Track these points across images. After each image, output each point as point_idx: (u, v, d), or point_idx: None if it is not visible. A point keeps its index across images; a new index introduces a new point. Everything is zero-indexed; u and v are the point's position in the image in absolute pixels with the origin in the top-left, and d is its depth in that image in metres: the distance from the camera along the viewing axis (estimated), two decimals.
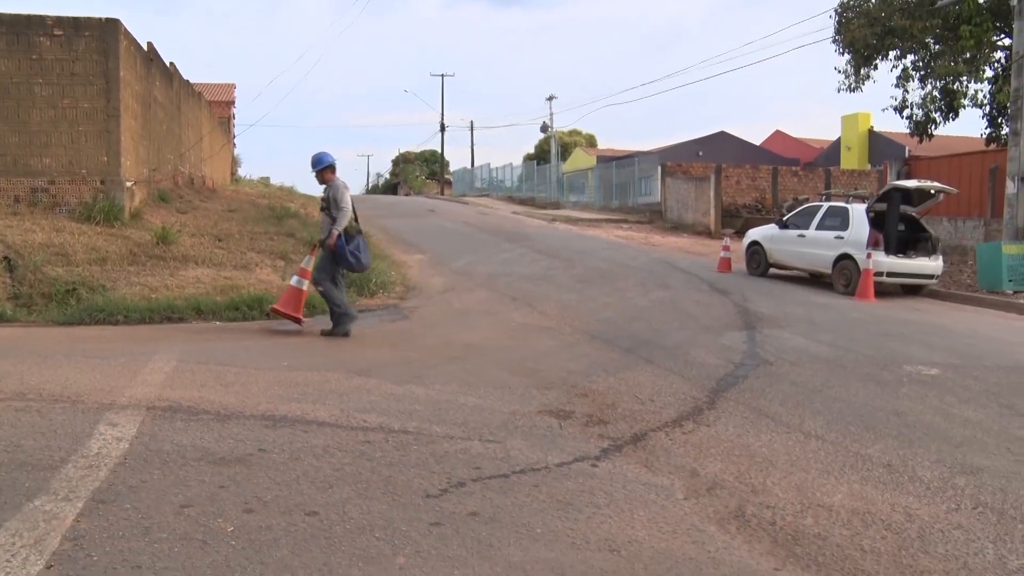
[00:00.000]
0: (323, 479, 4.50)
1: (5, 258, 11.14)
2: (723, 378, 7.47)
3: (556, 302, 11.67)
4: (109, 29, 14.15)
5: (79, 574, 3.30)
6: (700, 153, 42.31)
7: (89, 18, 14.17)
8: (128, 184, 14.34)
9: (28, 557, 3.41)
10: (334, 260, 9.20)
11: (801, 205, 18.73)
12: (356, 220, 9.37)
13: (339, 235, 9.06)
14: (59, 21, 13.99)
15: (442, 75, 60.43)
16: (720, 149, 42.89)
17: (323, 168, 9.38)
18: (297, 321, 9.54)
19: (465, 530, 3.90)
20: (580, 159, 50.45)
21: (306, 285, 9.54)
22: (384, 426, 5.57)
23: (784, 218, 16.66)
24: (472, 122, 65.62)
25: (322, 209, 9.57)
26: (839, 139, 44.12)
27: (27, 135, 13.75)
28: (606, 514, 4.23)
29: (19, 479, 4.30)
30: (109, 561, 3.43)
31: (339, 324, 9.18)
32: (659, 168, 31.02)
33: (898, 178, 25.31)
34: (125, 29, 14.50)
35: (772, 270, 16.27)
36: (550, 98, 53.14)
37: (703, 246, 21.82)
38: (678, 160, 33.89)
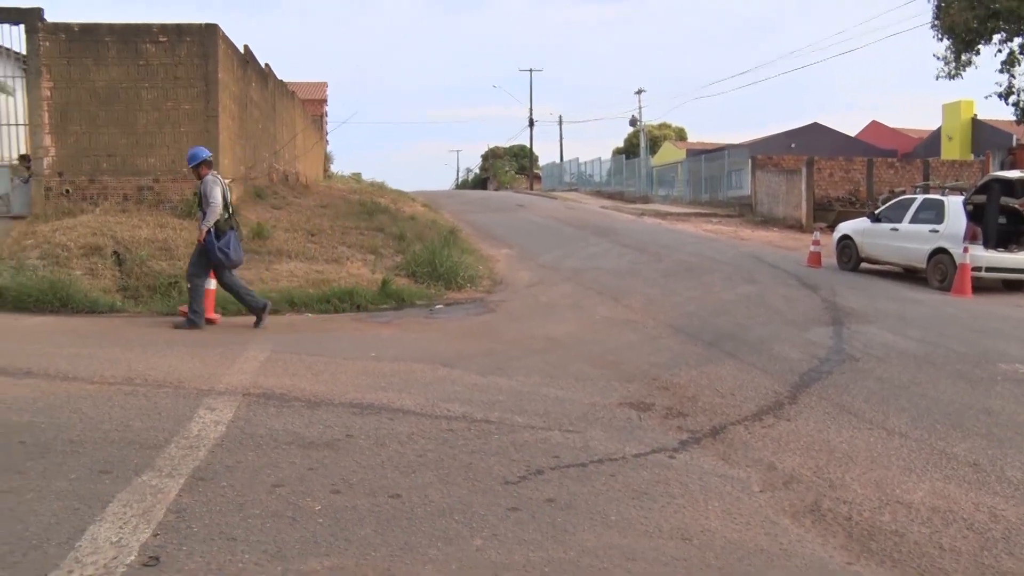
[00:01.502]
0: (407, 464, 4.70)
1: (115, 252, 11.78)
2: (806, 373, 7.40)
3: (641, 296, 11.68)
4: (208, 34, 14.78)
5: (181, 543, 3.55)
6: (792, 145, 41.37)
7: (190, 24, 14.83)
8: (226, 181, 14.92)
9: (138, 526, 3.69)
10: (206, 255, 9.20)
11: (896, 198, 18.21)
12: (231, 215, 9.42)
13: (208, 231, 9.14)
14: (163, 28, 14.69)
15: (530, 70, 61.18)
16: (813, 141, 41.84)
17: (197, 164, 9.55)
18: (210, 321, 9.43)
19: (541, 515, 4.03)
20: (669, 153, 49.97)
21: (213, 284, 9.58)
22: (467, 415, 5.75)
23: (876, 211, 16.23)
24: (560, 117, 66.10)
25: (198, 205, 9.66)
26: (939, 128, 42.50)
27: (135, 136, 14.48)
28: (680, 504, 4.30)
29: (128, 456, 4.63)
30: (207, 533, 3.68)
31: (192, 324, 9.08)
32: (749, 161, 30.51)
33: (1001, 168, 24.28)
34: (223, 33, 15.12)
35: (864, 265, 15.88)
36: (639, 91, 52.82)
37: (793, 240, 21.41)
38: (769, 153, 33.26)
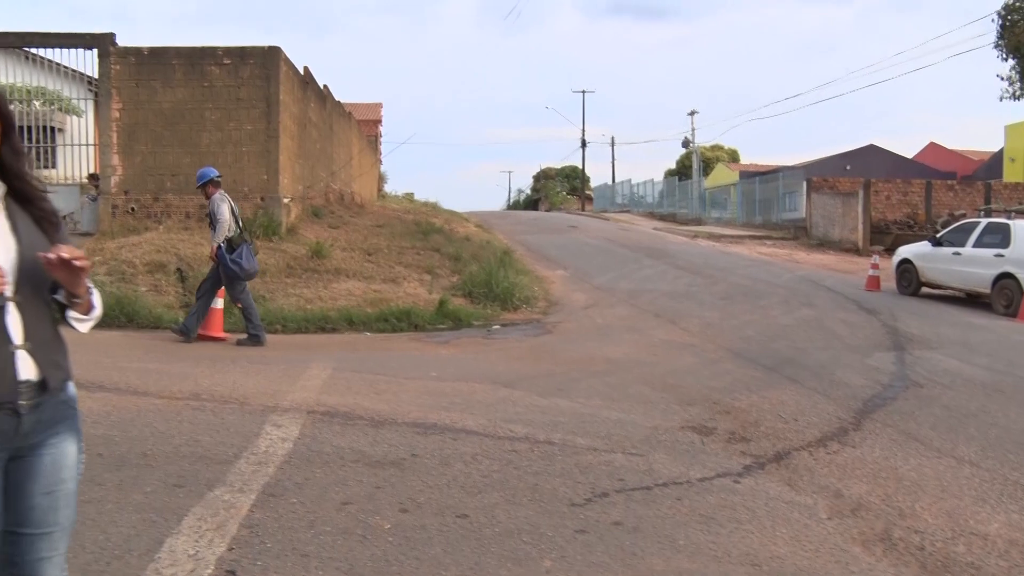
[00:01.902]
0: (472, 484, 4.73)
1: (178, 270, 12.06)
2: (870, 399, 7.29)
3: (698, 319, 11.61)
4: (271, 56, 15.13)
5: (256, 558, 3.62)
6: (847, 167, 40.78)
7: (254, 47, 15.21)
8: (285, 200, 15.23)
9: (213, 540, 3.77)
10: (219, 270, 9.39)
11: (957, 221, 17.86)
12: (241, 230, 9.57)
13: (218, 246, 9.32)
14: (227, 51, 15.09)
15: (583, 91, 61.13)
16: (868, 163, 41.21)
17: (205, 183, 9.68)
18: (216, 339, 9.62)
19: (609, 538, 4.03)
20: (722, 175, 49.62)
21: (220, 303, 9.75)
22: (530, 436, 5.77)
23: (938, 235, 15.94)
24: (613, 138, 66.13)
25: (209, 224, 9.83)
26: (1001, 150, 41.56)
27: (198, 156, 14.84)
28: (748, 529, 4.26)
29: (200, 470, 4.74)
30: (281, 549, 3.74)
31: (255, 340, 9.31)
32: (804, 183, 30.18)
33: None
34: (285, 56, 15.47)
35: (924, 289, 15.59)
36: (692, 113, 52.65)
37: (850, 264, 21.10)
38: (824, 175, 32.83)
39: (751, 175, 39.88)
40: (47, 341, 2.12)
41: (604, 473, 5.04)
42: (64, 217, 15.12)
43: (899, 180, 29.72)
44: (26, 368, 2.05)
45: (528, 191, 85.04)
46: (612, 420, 6.34)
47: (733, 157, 61.61)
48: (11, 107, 2.06)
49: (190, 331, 9.32)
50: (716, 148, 60.76)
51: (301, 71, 17.68)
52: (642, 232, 29.77)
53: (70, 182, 16.23)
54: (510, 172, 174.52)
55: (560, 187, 73.96)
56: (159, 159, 14.80)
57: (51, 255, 2.02)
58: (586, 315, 12.28)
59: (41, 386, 2.09)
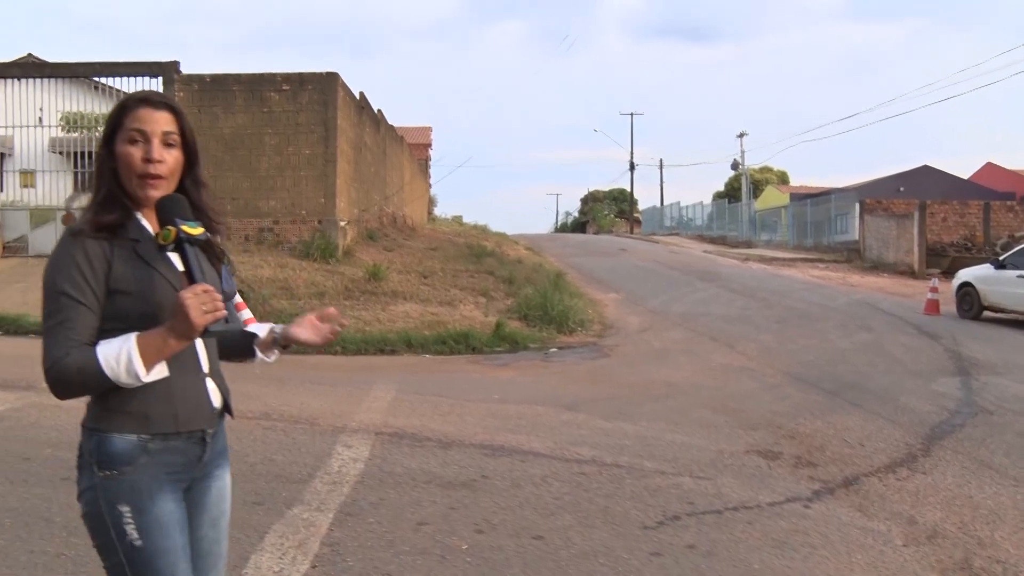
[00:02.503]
0: (544, 506, 4.78)
1: (239, 292, 12.33)
2: (937, 425, 7.19)
3: (755, 343, 11.55)
4: (328, 82, 15.47)
5: None
6: (901, 189, 40.20)
7: (312, 73, 15.54)
8: (341, 223, 15.50)
9: (296, 557, 3.88)
10: None
11: (1019, 243, 17.52)
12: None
13: None
14: (287, 77, 15.45)
15: (631, 114, 61.32)
16: (923, 184, 40.56)
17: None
18: None
19: (684, 561, 4.05)
20: (772, 197, 49.20)
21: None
22: (597, 459, 5.81)
23: (1001, 257, 15.65)
24: (661, 160, 65.98)
25: None
26: None
27: (257, 180, 15.20)
28: (823, 555, 4.25)
29: (277, 489, 4.86)
30: (363, 568, 3.83)
31: None
32: (857, 205, 29.84)
33: None
34: (342, 81, 15.80)
35: (986, 313, 15.30)
36: (741, 135, 51.83)
37: (906, 287, 20.79)
38: (877, 196, 32.42)
39: (802, 197, 39.50)
40: (219, 367, 2.16)
41: (674, 496, 5.06)
42: None
43: (955, 201, 29.29)
44: (215, 395, 2.08)
45: (576, 214, 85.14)
46: (677, 444, 6.36)
47: (783, 179, 61.11)
48: (195, 138, 2.06)
49: None
50: (765, 170, 60.34)
51: (357, 96, 18.03)
52: (692, 255, 29.66)
53: None
54: (557, 195, 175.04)
55: (608, 210, 73.97)
56: (219, 183, 15.14)
57: (332, 315, 2.23)
58: (642, 338, 12.28)
59: (221, 413, 2.14)
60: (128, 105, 1.97)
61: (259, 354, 2.28)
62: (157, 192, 1.96)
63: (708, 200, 53.19)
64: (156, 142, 1.95)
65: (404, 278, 14.48)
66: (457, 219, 45.19)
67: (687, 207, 51.77)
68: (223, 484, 2.18)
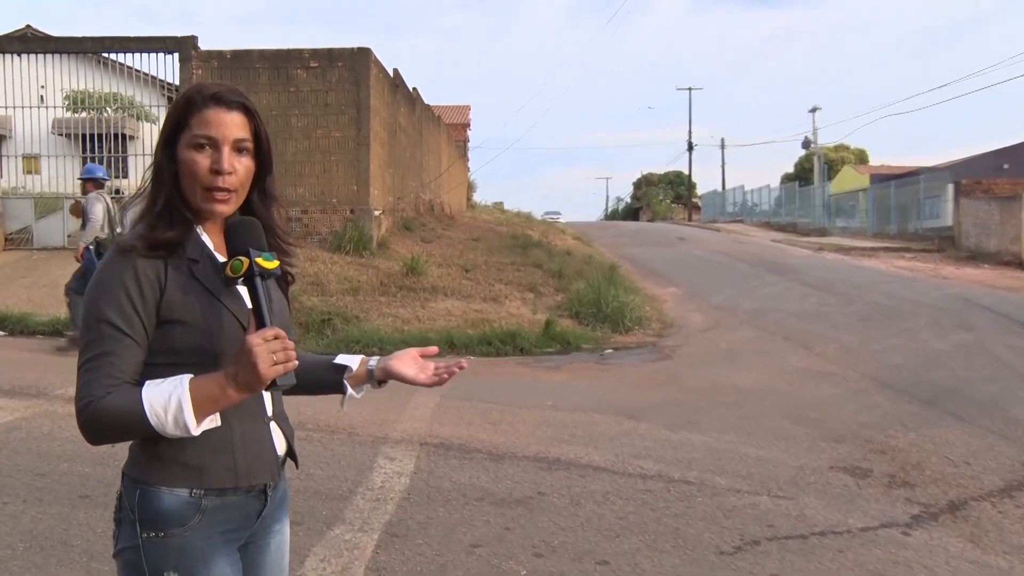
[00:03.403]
0: (607, 527, 4.75)
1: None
2: None
3: (835, 343, 11.38)
4: (360, 58, 15.49)
5: None
6: (1004, 167, 39.15)
7: (342, 49, 15.58)
8: (376, 213, 15.57)
9: None
10: (86, 274, 9.66)
11: None
12: (115, 233, 9.77)
13: (87, 248, 9.72)
14: (315, 53, 15.51)
15: (689, 88, 60.27)
16: None
17: (84, 180, 10.26)
18: None
19: None
20: (849, 178, 48.42)
21: None
22: (663, 474, 5.76)
23: None
24: (723, 139, 64.77)
25: (81, 224, 10.23)
26: None
27: (283, 165, 15.30)
28: None
29: (316, 506, 4.89)
30: None
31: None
32: (950, 186, 29.23)
33: None
34: (375, 57, 15.83)
35: None
36: (813, 110, 51.01)
37: (1012, 279, 20.29)
38: (974, 175, 31.65)
39: (884, 178, 38.74)
40: (283, 407, 2.07)
41: (751, 518, 4.99)
42: None
43: None
44: (279, 441, 2.00)
45: (628, 199, 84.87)
46: (751, 457, 6.28)
47: (861, 158, 60.10)
48: (270, 144, 1.96)
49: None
50: (841, 148, 59.42)
51: (391, 73, 18.08)
52: (759, 244, 29.35)
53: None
54: (608, 178, 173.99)
55: (663, 195, 73.59)
56: None
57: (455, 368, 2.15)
58: (706, 338, 12.18)
59: (284, 461, 2.06)
60: (195, 102, 1.86)
61: (350, 390, 2.17)
62: (225, 207, 1.87)
63: (775, 183, 52.58)
64: (227, 150, 1.84)
65: (444, 272, 14.51)
66: (498, 206, 45.20)
67: (752, 191, 51.22)
68: (282, 538, 2.10)
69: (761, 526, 4.87)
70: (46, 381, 8.12)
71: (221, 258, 1.87)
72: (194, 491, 1.83)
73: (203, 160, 1.83)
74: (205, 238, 1.90)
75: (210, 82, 1.93)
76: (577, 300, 13.21)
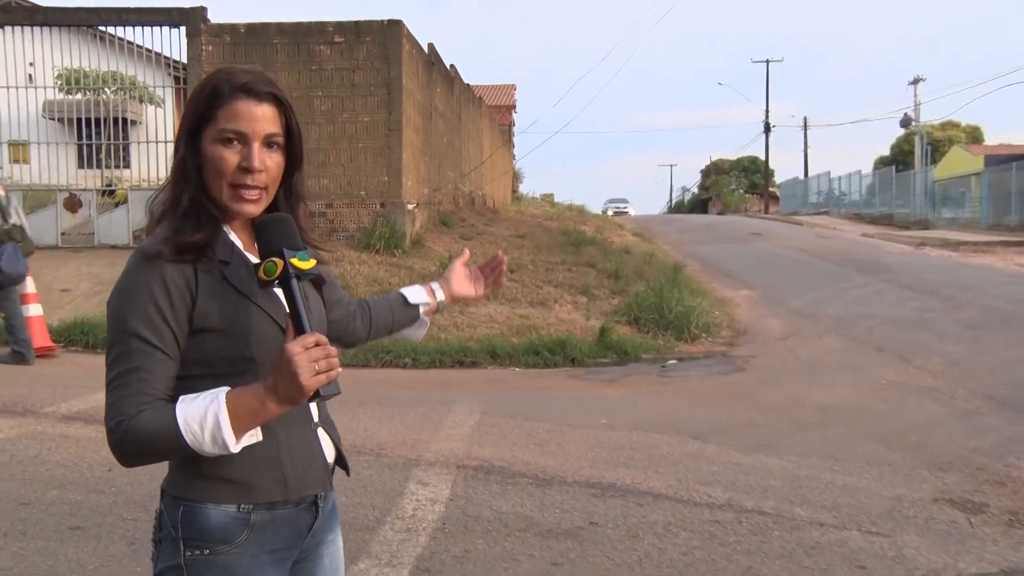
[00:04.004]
0: (670, 564, 4.72)
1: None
2: None
3: (939, 355, 11.22)
4: (391, 33, 15.53)
5: None
6: None
7: (370, 21, 15.62)
8: (409, 206, 15.65)
9: None
10: None
11: None
12: (11, 227, 9.94)
13: None
14: (339, 27, 15.56)
15: (767, 61, 59.86)
16: None
17: None
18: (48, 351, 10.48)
19: None
20: (959, 161, 47.55)
21: (34, 310, 10.57)
22: (734, 504, 5.72)
23: None
24: (805, 119, 64.23)
25: None
26: None
27: (305, 154, 15.35)
28: None
29: None
30: None
31: (20, 357, 9.92)
32: None
33: None
34: (408, 31, 15.87)
35: None
36: (915, 81, 49.98)
37: None
38: None
39: (1002, 160, 37.85)
40: (328, 412, 2.13)
41: (838, 557, 4.93)
42: (143, 231, 15.94)
43: None
44: (328, 448, 2.07)
45: (694, 189, 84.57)
46: (838, 486, 6.20)
47: (974, 137, 59.17)
48: (301, 139, 2.00)
49: (26, 349, 10.00)
50: (949, 126, 58.53)
51: (425, 49, 18.15)
52: (848, 240, 29.07)
53: (147, 185, 16.80)
54: (671, 166, 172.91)
55: (736, 183, 73.21)
56: None
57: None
58: (785, 347, 12.10)
59: (333, 469, 2.14)
60: (222, 92, 1.88)
61: (428, 323, 2.56)
62: (254, 207, 1.91)
63: (868, 168, 52.00)
64: (257, 146, 1.88)
65: None
66: (547, 198, 45.30)
67: (839, 178, 50.66)
68: (335, 549, 2.18)
69: (850, 567, 4.80)
70: (35, 397, 8.23)
71: (253, 259, 1.92)
72: (242, 506, 1.89)
73: (231, 156, 1.87)
74: (233, 237, 1.95)
75: (237, 68, 1.95)
76: (636, 304, 13.19)
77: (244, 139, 1.87)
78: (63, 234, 15.92)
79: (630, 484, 6.05)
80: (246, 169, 1.86)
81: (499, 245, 17.33)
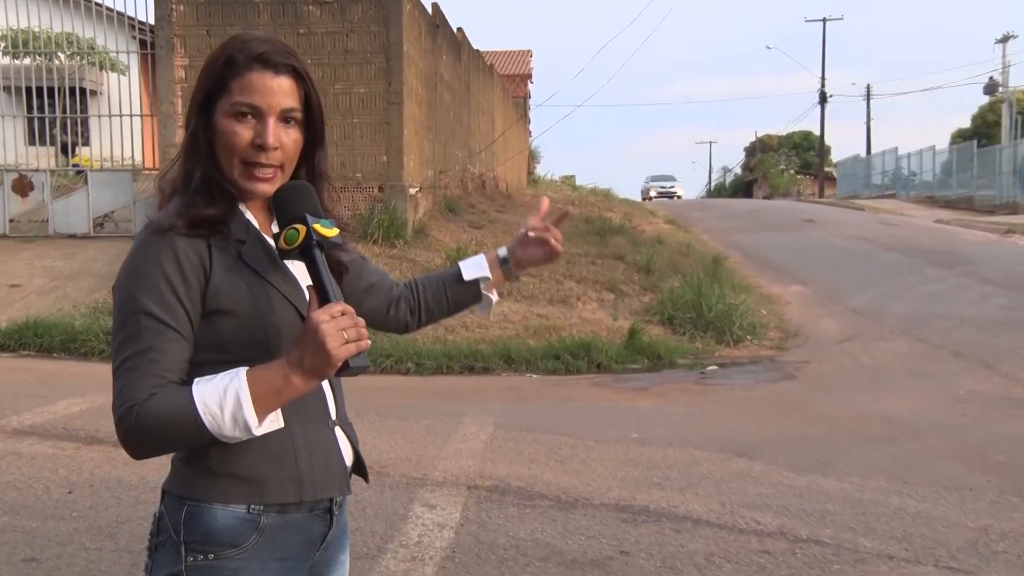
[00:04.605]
0: None
1: None
2: None
3: None
4: None
5: None
6: None
7: None
8: (411, 191, 15.66)
9: None
10: None
11: None
12: None
13: None
14: None
15: (823, 19, 59.39)
16: None
17: None
18: None
19: None
20: None
21: None
22: (786, 531, 5.70)
23: None
24: (868, 87, 63.85)
25: None
26: None
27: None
28: None
29: None
30: None
31: None
32: None
33: None
34: None
35: None
36: (1004, 39, 49.01)
37: None
38: None
39: None
40: (345, 410, 2.20)
41: None
42: (106, 217, 15.64)
43: None
44: (346, 449, 2.12)
45: (738, 169, 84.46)
46: (909, 513, 6.18)
47: None
48: (322, 113, 2.07)
49: None
50: None
51: (429, 8, 18.14)
52: (918, 227, 28.99)
53: (109, 165, 16.68)
54: (711, 142, 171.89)
55: (786, 163, 73.05)
56: None
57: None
58: (843, 351, 12.09)
59: (351, 473, 2.18)
60: (236, 62, 1.93)
61: (494, 298, 2.54)
62: (268, 186, 1.96)
63: (943, 144, 51.55)
64: (272, 121, 1.93)
65: None
66: (568, 181, 45.25)
67: (909, 155, 50.33)
68: (344, 572, 2.21)
69: None
70: None
71: (270, 240, 1.99)
72: (252, 507, 1.92)
73: (244, 131, 1.92)
74: (250, 216, 2.01)
75: (255, 35, 2.00)
76: (670, 302, 13.22)
77: (259, 114, 1.92)
78: (11, 221, 15.88)
79: (665, 508, 6.05)
80: (260, 146, 1.92)
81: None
